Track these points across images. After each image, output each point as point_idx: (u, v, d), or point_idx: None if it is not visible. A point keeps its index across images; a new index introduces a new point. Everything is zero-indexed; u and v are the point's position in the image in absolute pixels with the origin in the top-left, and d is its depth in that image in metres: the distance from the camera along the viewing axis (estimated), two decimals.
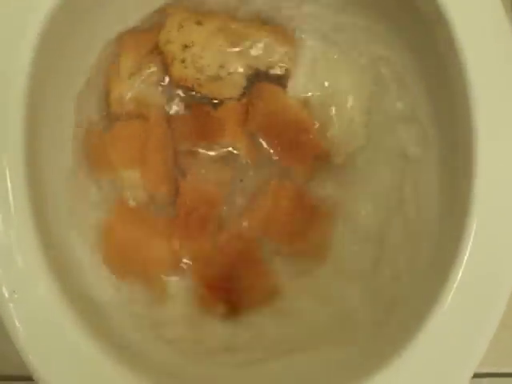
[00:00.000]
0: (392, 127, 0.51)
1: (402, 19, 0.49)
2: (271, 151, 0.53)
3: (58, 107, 0.48)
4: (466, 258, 0.40)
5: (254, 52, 0.52)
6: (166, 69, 0.52)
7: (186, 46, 0.52)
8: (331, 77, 0.53)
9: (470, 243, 0.40)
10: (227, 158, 0.52)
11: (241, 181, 0.52)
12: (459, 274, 0.40)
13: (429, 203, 0.47)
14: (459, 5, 0.43)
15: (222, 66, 0.52)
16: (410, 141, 0.49)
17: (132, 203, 0.51)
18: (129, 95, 0.51)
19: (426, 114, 0.48)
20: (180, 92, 0.53)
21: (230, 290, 0.50)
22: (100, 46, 0.51)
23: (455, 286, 0.40)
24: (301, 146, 0.52)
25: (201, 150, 0.52)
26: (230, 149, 0.52)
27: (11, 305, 0.39)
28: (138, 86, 0.52)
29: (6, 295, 0.39)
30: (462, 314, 0.40)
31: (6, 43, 0.42)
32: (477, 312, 0.40)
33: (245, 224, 0.51)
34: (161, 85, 0.52)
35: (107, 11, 0.49)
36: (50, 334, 0.40)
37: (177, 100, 0.53)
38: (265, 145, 0.53)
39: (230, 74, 0.52)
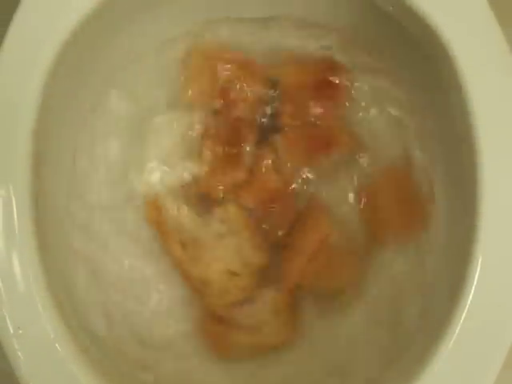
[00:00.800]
0: None
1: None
2: None
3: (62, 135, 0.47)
4: (469, 300, 0.40)
5: None
6: None
7: None
8: None
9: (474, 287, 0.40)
10: None
11: None
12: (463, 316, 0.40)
13: None
14: (463, 42, 0.43)
15: None
16: None
17: None
18: None
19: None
20: None
21: None
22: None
23: (459, 327, 0.40)
24: None
25: None
26: None
27: (15, 340, 0.39)
28: None
29: (11, 331, 0.39)
30: (466, 356, 0.40)
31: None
32: (481, 353, 0.40)
33: None
34: None
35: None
36: (51, 368, 0.40)
37: None
38: None
39: None
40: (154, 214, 0.49)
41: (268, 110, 0.52)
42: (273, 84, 0.52)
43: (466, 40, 0.43)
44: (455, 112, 0.44)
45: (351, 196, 0.51)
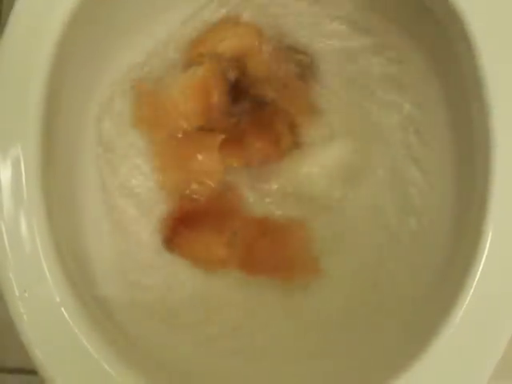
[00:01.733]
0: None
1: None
2: None
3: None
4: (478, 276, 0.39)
5: None
6: None
7: None
8: None
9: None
10: None
11: None
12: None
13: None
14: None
15: None
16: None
17: None
18: None
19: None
20: None
21: None
22: None
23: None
24: None
25: None
26: None
27: (21, 303, 0.38)
28: None
29: (17, 293, 0.38)
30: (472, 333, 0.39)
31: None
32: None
33: None
34: None
35: None
36: (56, 332, 0.39)
37: None
38: None
39: None
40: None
41: None
42: None
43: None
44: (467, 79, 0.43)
45: None
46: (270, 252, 0.50)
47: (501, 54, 0.41)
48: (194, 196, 0.51)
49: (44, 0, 0.41)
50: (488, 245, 0.39)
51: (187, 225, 0.50)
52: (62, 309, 0.39)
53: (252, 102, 0.52)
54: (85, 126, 0.49)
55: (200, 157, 0.50)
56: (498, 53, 0.41)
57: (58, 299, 0.39)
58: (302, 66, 0.53)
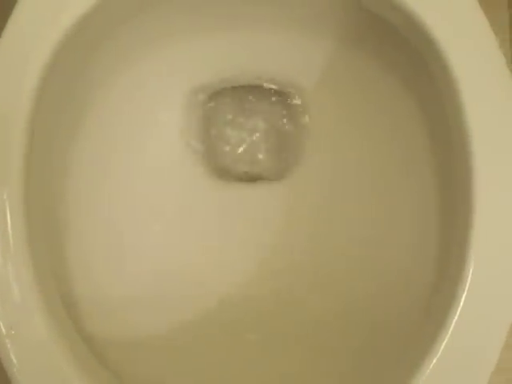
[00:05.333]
0: None
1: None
2: None
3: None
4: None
5: None
6: None
7: None
8: None
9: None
10: None
11: None
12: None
13: None
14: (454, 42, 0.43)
15: None
16: None
17: None
18: None
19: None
20: None
21: None
22: None
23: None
24: None
25: None
26: None
27: (8, 341, 0.40)
28: None
29: (4, 331, 0.40)
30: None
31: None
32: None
33: None
34: None
35: None
36: (44, 370, 0.40)
37: None
38: None
39: None
40: None
41: None
42: None
43: (457, 39, 0.44)
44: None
45: None
46: None
47: (478, 83, 0.43)
48: None
49: (23, 46, 0.43)
50: (468, 285, 0.40)
51: None
52: (49, 345, 0.40)
53: None
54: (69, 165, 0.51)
55: None
56: (475, 81, 0.43)
57: (44, 336, 0.40)
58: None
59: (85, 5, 0.44)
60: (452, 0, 0.44)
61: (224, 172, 0.58)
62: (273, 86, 0.58)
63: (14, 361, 0.40)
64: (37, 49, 0.43)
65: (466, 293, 0.40)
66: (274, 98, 0.58)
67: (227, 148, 0.58)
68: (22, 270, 0.41)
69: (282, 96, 0.58)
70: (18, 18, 0.44)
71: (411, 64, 0.49)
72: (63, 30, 0.44)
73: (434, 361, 0.39)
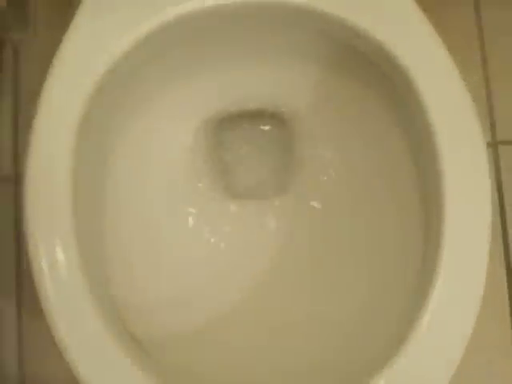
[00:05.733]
0: None
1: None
2: None
3: None
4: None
5: None
6: None
7: None
8: None
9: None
10: None
11: None
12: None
13: None
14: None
15: None
16: None
17: None
18: None
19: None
20: None
21: None
22: None
23: None
24: None
25: None
26: None
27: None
28: None
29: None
30: None
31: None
32: None
33: None
34: None
35: None
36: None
37: None
38: None
39: None
40: None
41: None
42: None
43: (422, 65, 0.52)
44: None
45: None
46: None
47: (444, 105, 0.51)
48: None
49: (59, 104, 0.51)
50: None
51: None
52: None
53: None
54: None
55: None
56: (438, 100, 0.51)
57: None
58: None
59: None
60: (413, 31, 0.53)
61: (231, 191, 0.67)
62: (268, 111, 0.66)
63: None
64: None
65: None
66: (268, 124, 0.67)
67: (231, 170, 0.68)
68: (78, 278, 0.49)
69: (276, 119, 0.67)
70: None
71: (384, 85, 0.57)
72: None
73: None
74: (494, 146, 0.82)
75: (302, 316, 0.62)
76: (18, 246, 0.79)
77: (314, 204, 0.66)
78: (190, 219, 0.65)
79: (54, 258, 0.48)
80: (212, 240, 0.65)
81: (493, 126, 0.82)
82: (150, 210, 0.63)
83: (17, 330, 0.77)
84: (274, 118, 0.67)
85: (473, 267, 0.48)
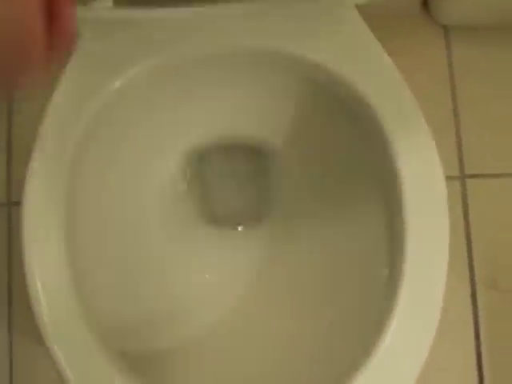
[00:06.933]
0: None
1: None
2: None
3: None
4: None
5: None
6: None
7: None
8: None
9: None
10: None
11: None
12: None
13: None
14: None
15: None
16: None
17: None
18: None
19: None
20: None
21: None
22: None
23: None
24: None
25: None
26: None
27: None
28: None
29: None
30: None
31: None
32: None
33: None
34: None
35: None
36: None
37: None
38: None
39: None
40: None
41: None
42: None
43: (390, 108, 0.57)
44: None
45: None
46: None
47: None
48: None
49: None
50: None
51: None
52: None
53: None
54: None
55: None
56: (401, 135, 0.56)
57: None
58: None
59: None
60: (379, 72, 0.58)
61: (210, 218, 0.71)
62: (247, 144, 0.70)
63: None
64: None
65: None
66: (247, 157, 0.71)
67: (213, 198, 0.71)
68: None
69: (256, 152, 0.71)
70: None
71: (355, 121, 0.62)
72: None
73: None
74: (461, 179, 0.86)
75: (277, 335, 0.66)
76: (10, 273, 0.83)
77: (288, 233, 0.70)
78: (168, 244, 0.69)
79: (47, 279, 0.53)
80: (192, 264, 0.69)
81: (460, 160, 0.86)
82: (134, 235, 0.68)
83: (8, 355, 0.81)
84: (253, 151, 0.71)
85: (429, 303, 0.53)
